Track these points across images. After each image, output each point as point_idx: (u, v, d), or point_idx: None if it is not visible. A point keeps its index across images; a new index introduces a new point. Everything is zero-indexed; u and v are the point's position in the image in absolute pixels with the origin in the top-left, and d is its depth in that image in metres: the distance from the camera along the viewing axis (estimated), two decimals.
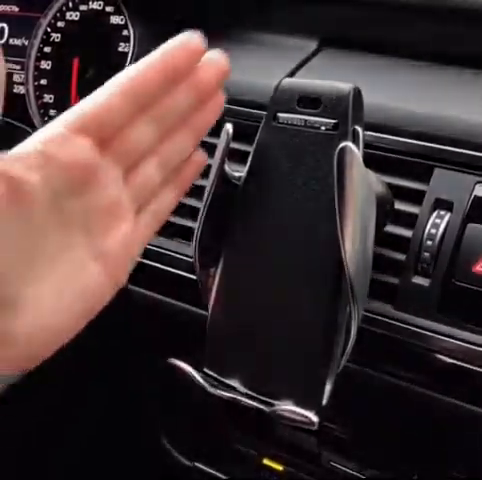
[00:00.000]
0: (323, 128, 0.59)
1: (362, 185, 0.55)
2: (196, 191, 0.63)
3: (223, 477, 0.84)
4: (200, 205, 0.62)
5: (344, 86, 0.58)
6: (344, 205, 0.55)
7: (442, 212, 0.65)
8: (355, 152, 0.54)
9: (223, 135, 0.60)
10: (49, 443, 1.04)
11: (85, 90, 0.96)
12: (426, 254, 0.65)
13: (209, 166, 0.58)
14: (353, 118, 0.58)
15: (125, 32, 0.94)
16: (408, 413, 0.70)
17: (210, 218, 0.62)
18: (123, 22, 0.95)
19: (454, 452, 0.71)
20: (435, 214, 0.66)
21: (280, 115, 0.61)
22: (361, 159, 0.56)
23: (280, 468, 0.80)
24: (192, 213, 0.74)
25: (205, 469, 0.86)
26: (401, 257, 0.66)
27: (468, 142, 0.66)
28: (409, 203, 0.67)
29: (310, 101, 0.59)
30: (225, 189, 0.62)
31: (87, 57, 0.99)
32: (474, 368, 0.63)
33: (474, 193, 0.64)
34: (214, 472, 0.85)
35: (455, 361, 0.64)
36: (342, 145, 0.54)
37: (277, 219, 0.61)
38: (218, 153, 0.61)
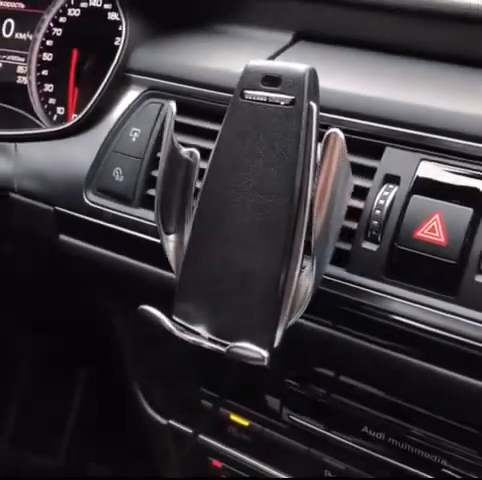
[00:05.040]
0: (282, 103, 0.67)
1: (343, 168, 0.64)
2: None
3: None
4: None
5: (301, 67, 0.66)
6: (323, 184, 0.64)
7: (391, 186, 0.73)
8: (341, 139, 0.63)
9: (168, 113, 0.69)
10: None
11: (82, 80, 1.05)
12: (375, 222, 0.72)
13: None
14: (308, 95, 0.66)
15: (121, 27, 1.02)
16: (362, 369, 0.77)
17: (167, 190, 0.71)
18: (119, 18, 1.02)
19: (409, 406, 0.78)
20: (384, 187, 0.73)
21: (246, 92, 0.69)
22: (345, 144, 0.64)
23: (246, 423, 0.87)
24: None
25: (179, 426, 0.93)
26: (353, 225, 0.74)
27: (415, 124, 0.73)
28: (362, 178, 0.75)
29: (272, 80, 0.67)
30: (177, 162, 0.71)
31: (85, 50, 1.06)
32: (418, 325, 0.70)
33: (419, 169, 0.72)
34: (187, 429, 0.93)
35: (401, 319, 0.71)
36: (329, 131, 0.64)
37: (240, 184, 0.68)
38: (165, 129, 0.69)
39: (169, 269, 0.81)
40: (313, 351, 0.79)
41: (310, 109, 0.66)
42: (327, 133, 0.64)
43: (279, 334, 0.66)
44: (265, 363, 0.64)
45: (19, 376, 1.34)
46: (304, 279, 0.68)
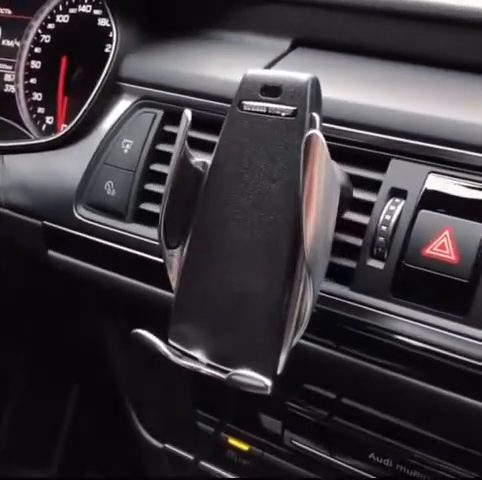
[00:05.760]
0: (283, 114, 0.63)
1: (327, 171, 0.59)
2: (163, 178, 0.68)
3: (192, 458, 0.88)
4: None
5: (303, 76, 0.63)
6: (308, 190, 0.59)
7: (397, 200, 0.70)
8: (321, 140, 0.59)
9: (182, 121, 0.65)
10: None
11: (72, 89, 1.02)
12: (381, 239, 0.69)
13: None
14: (311, 105, 0.62)
15: (111, 34, 0.98)
16: (366, 392, 0.74)
17: (173, 202, 0.66)
18: (110, 25, 0.99)
19: (416, 430, 0.74)
20: (390, 202, 0.70)
21: (245, 103, 0.65)
22: (326, 147, 0.60)
23: (245, 448, 0.84)
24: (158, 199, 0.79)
25: (174, 450, 0.90)
26: (358, 242, 0.71)
27: (422, 135, 0.70)
28: (367, 192, 0.71)
29: (272, 90, 0.64)
30: (187, 173, 0.67)
31: (75, 57, 1.03)
32: (426, 347, 0.67)
33: (427, 182, 0.69)
34: (183, 453, 0.89)
35: (408, 340, 0.68)
36: (309, 133, 0.59)
37: (239, 200, 0.65)
38: (178, 138, 0.65)
39: (164, 287, 0.78)
40: (316, 373, 0.76)
41: (313, 120, 0.63)
42: (306, 135, 0.59)
43: (282, 359, 0.62)
44: (268, 392, 0.60)
45: (11, 390, 1.31)
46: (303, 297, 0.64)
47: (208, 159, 0.68)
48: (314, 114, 0.62)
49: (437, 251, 0.66)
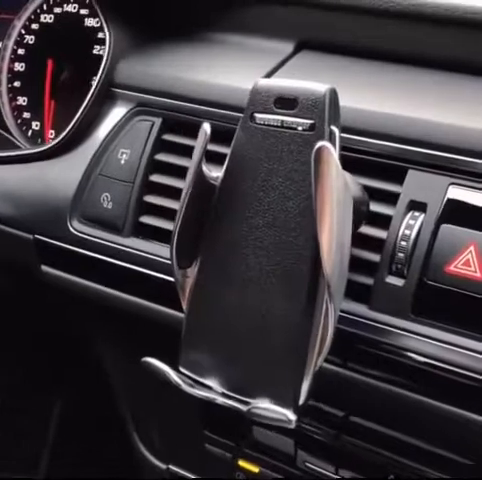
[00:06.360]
0: (300, 128, 0.59)
1: (338, 184, 0.56)
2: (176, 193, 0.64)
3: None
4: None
5: (321, 87, 0.59)
6: (321, 204, 0.55)
7: (416, 213, 0.66)
8: (332, 152, 0.55)
9: (200, 135, 0.61)
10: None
11: (59, 93, 0.97)
12: (400, 254, 0.66)
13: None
14: (329, 118, 0.59)
15: (100, 35, 0.94)
16: (384, 413, 0.71)
17: (188, 218, 0.62)
18: (98, 25, 0.95)
19: (429, 451, 0.72)
20: (409, 215, 0.66)
21: (257, 115, 0.61)
22: (337, 159, 0.56)
23: (256, 470, 0.80)
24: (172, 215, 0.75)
25: (179, 471, 0.86)
26: (375, 258, 0.67)
27: (442, 144, 0.67)
28: (384, 204, 0.68)
29: (287, 102, 0.60)
30: (203, 190, 0.63)
31: (61, 59, 0.99)
32: (447, 367, 0.64)
33: (448, 194, 0.65)
34: (188, 474, 0.85)
35: (429, 360, 0.65)
36: (319, 145, 0.55)
37: (253, 219, 0.61)
38: (195, 153, 0.61)
39: (166, 305, 0.75)
40: (331, 394, 0.72)
41: (332, 134, 0.59)
42: (316, 147, 0.55)
43: (305, 388, 0.59)
44: (292, 426, 0.57)
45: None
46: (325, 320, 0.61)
47: (214, 171, 0.65)
48: (333, 128, 0.59)
49: (461, 268, 0.63)
